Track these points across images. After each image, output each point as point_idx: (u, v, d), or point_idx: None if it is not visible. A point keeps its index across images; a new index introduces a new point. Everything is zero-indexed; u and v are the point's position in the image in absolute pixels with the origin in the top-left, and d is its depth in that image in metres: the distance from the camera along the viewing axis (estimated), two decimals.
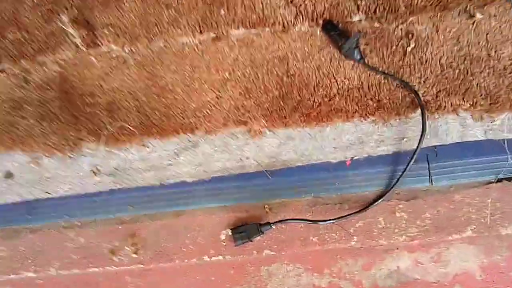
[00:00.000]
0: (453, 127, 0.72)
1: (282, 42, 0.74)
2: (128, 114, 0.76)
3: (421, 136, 0.69)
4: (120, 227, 0.76)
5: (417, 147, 0.69)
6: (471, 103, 0.71)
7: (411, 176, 0.72)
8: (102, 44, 0.77)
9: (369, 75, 0.73)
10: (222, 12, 0.75)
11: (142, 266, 0.75)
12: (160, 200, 0.76)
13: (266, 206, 0.73)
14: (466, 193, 0.71)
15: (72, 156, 0.78)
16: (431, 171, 0.72)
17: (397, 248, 0.72)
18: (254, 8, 0.75)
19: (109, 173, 0.77)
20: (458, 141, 0.72)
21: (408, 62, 0.72)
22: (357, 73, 0.73)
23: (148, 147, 0.76)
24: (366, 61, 0.72)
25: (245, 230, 0.71)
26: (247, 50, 0.75)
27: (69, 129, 0.77)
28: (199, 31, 0.75)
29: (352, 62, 0.73)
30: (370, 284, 0.72)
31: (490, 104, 0.71)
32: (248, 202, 0.74)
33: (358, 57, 0.71)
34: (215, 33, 0.75)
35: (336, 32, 0.72)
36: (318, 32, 0.74)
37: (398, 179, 0.70)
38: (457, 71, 0.71)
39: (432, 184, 0.72)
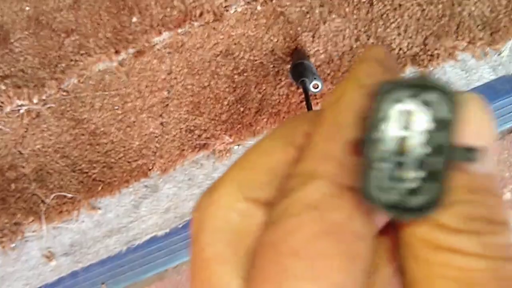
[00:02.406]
0: (454, 75, 0.58)
1: (219, 33, 0.59)
2: (62, 178, 0.61)
3: None
4: None
5: None
6: (469, 40, 0.56)
7: None
8: (3, 103, 0.61)
9: (342, 35, 0.58)
10: (135, 19, 0.59)
11: None
12: (134, 267, 0.62)
13: None
14: None
15: (14, 246, 0.63)
16: None
17: None
18: (172, 1, 0.59)
19: (64, 252, 0.62)
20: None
21: (379, 13, 0.57)
22: (321, 43, 0.58)
23: (99, 209, 0.61)
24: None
25: None
26: (180, 56, 0.59)
27: (0, 215, 0.62)
28: (114, 50, 0.59)
29: (311, 34, 0.58)
30: None
31: (491, 33, 0.56)
32: None
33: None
34: (134, 47, 0.59)
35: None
36: (259, 7, 0.58)
37: None
38: (440, 6, 0.56)
39: None
